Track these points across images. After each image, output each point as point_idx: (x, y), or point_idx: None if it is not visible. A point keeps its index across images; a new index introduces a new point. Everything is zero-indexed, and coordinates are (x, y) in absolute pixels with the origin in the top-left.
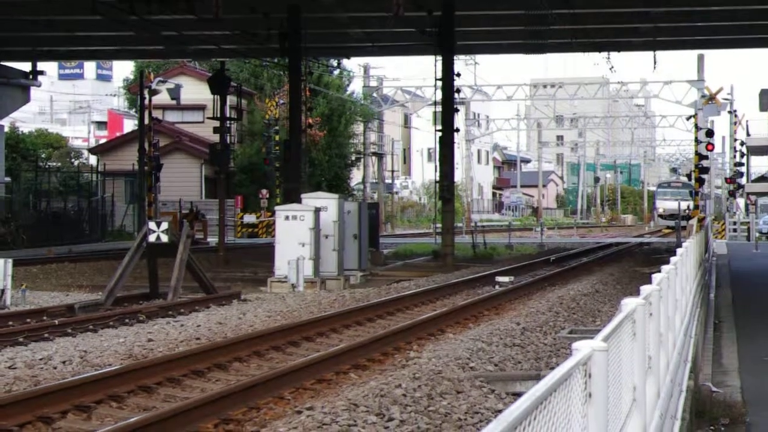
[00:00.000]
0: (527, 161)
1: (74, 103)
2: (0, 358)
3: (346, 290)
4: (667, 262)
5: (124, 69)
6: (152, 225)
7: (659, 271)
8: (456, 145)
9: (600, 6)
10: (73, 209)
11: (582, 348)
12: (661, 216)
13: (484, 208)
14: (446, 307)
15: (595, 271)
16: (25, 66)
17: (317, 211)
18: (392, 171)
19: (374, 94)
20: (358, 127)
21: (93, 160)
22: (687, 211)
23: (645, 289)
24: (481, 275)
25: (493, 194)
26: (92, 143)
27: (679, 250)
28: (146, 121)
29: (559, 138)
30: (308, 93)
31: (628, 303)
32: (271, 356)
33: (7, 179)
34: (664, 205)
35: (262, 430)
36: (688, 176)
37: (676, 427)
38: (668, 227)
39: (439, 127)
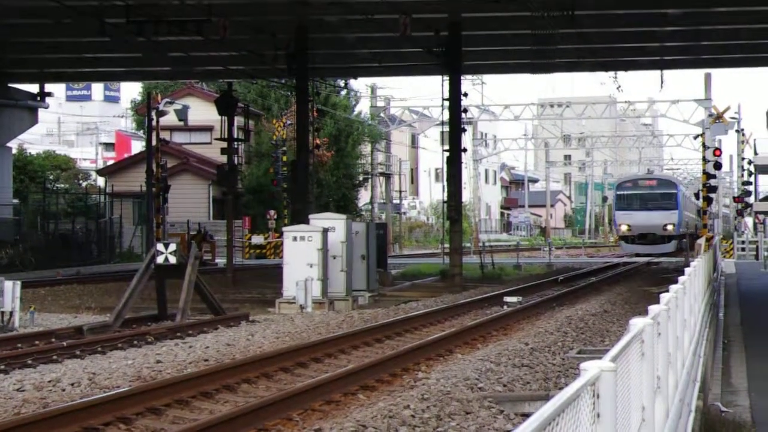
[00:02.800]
0: (535, 181)
1: (82, 124)
2: (9, 380)
3: (355, 311)
4: (676, 282)
5: (131, 90)
6: (160, 246)
7: (667, 291)
8: (464, 165)
9: (606, 25)
10: (81, 231)
11: (590, 368)
12: (624, 238)
13: (492, 228)
14: (454, 327)
15: (604, 290)
16: (33, 88)
17: (325, 231)
18: (400, 191)
19: (381, 115)
20: (366, 148)
21: (101, 181)
22: (676, 228)
23: (653, 308)
24: (489, 295)
25: (501, 214)
26: (100, 165)
27: (687, 270)
28: (154, 143)
29: (567, 157)
30: (315, 113)
31: (637, 323)
32: (280, 377)
33: (15, 201)
34: (630, 219)
35: None
36: (699, 196)
37: None
38: (640, 255)
39: (447, 147)
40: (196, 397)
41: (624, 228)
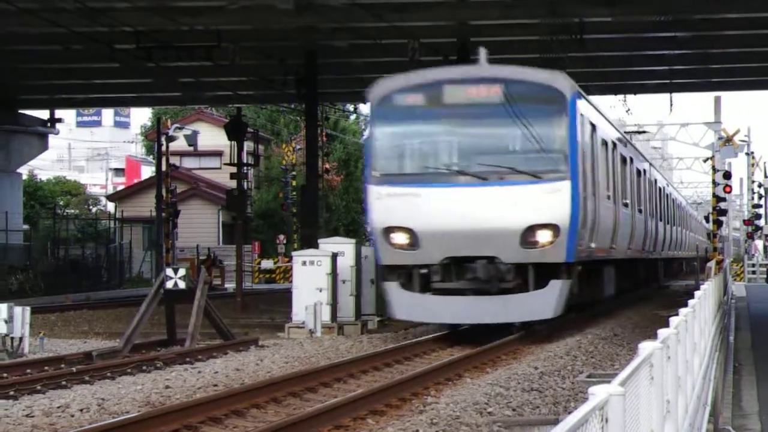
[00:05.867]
0: None
1: (92, 150)
2: (18, 406)
3: (364, 335)
4: (686, 305)
5: (141, 116)
6: (170, 271)
7: (677, 314)
8: None
9: (615, 49)
10: (91, 256)
11: (598, 393)
12: (394, 246)
13: None
14: (464, 351)
15: (613, 314)
16: (43, 114)
17: (334, 256)
18: None
19: None
20: None
21: (111, 207)
22: (569, 234)
23: (662, 332)
24: None
25: None
26: (110, 190)
27: (697, 293)
28: (164, 168)
29: None
30: (325, 138)
31: (646, 347)
32: (289, 402)
33: (26, 227)
34: (415, 210)
35: None
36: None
37: None
38: (452, 326)
39: None
40: (205, 422)
41: (400, 239)
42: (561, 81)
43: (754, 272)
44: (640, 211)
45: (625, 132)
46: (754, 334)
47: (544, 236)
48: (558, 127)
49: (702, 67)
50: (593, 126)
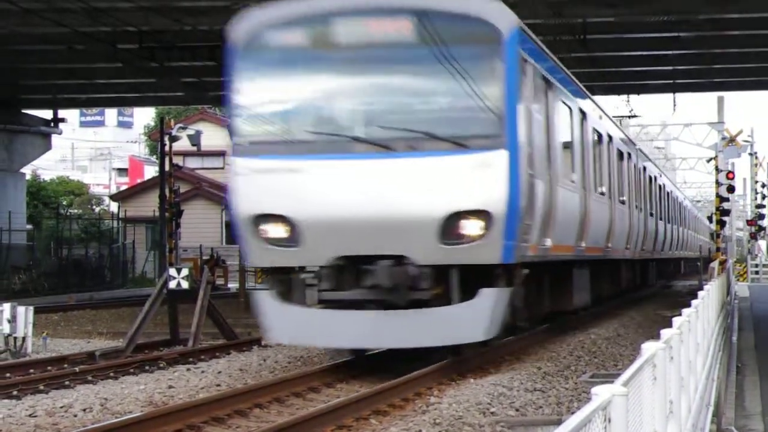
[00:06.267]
0: None
1: (95, 150)
2: (21, 406)
3: None
4: (689, 305)
5: (145, 116)
6: (173, 271)
7: (680, 315)
8: None
9: (618, 49)
10: (94, 256)
11: (601, 393)
12: (267, 241)
13: None
14: (467, 351)
15: (616, 314)
16: (47, 114)
17: None
18: None
19: None
20: None
21: (114, 206)
22: (508, 218)
23: (665, 332)
24: None
25: None
26: (113, 190)
27: (700, 293)
28: (167, 168)
29: None
30: None
31: (649, 347)
32: (292, 402)
33: (29, 227)
34: (294, 193)
35: None
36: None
37: None
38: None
39: None
40: (208, 422)
41: (274, 232)
42: (495, 11)
43: (757, 272)
44: (622, 202)
45: (614, 117)
46: (757, 334)
47: (471, 228)
48: (491, 75)
49: (705, 68)
50: (547, 83)
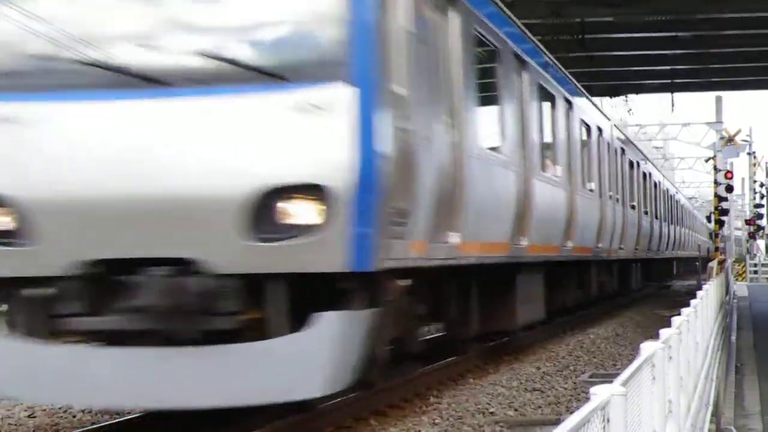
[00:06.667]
0: None
1: None
2: (20, 406)
3: None
4: (688, 305)
5: None
6: None
7: (679, 314)
8: None
9: (616, 49)
10: None
11: (600, 393)
12: None
13: None
14: (466, 352)
15: (615, 314)
16: None
17: None
18: None
19: None
20: None
21: None
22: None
23: (664, 332)
24: None
25: None
26: None
27: (699, 293)
28: None
29: None
30: None
31: (648, 347)
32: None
33: None
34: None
35: None
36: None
37: None
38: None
39: None
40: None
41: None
42: None
43: (755, 272)
44: (591, 190)
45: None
46: (756, 333)
47: (297, 214)
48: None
49: (703, 67)
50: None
